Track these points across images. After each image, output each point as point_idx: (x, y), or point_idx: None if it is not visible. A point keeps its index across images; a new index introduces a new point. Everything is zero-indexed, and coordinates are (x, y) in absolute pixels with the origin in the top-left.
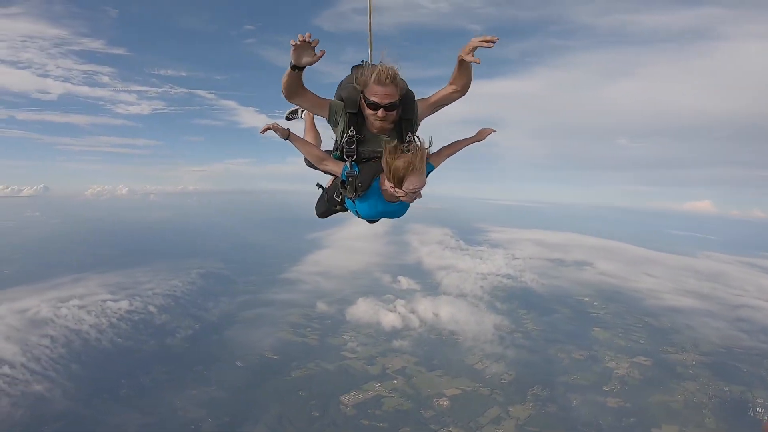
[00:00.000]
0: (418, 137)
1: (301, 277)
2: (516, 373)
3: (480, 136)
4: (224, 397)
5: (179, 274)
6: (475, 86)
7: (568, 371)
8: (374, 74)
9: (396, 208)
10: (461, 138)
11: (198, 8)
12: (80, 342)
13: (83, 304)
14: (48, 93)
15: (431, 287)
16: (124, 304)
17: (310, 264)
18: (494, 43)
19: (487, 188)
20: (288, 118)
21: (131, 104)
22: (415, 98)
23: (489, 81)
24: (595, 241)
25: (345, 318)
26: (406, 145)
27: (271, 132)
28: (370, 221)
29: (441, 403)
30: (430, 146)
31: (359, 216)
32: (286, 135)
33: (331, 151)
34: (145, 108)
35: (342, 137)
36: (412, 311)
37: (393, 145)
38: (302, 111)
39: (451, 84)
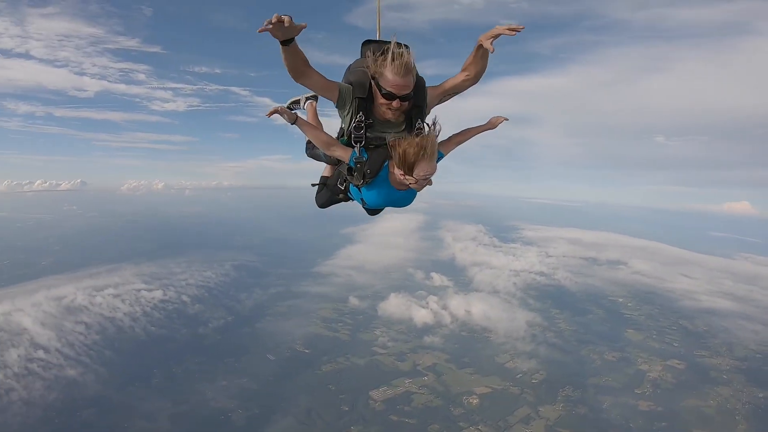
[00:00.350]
0: (427, 124)
1: (334, 270)
2: (547, 373)
3: (491, 124)
4: (254, 388)
5: (213, 266)
6: (506, 83)
7: (600, 372)
8: (391, 64)
9: (404, 196)
10: (472, 126)
11: (231, 6)
12: (114, 329)
13: (118, 293)
14: (85, 90)
15: (464, 284)
16: (158, 294)
17: (343, 258)
18: (518, 32)
19: (522, 187)
20: (290, 108)
21: (167, 101)
22: (426, 85)
23: (521, 78)
24: (631, 241)
25: (377, 313)
26: (416, 131)
27: (281, 118)
28: (374, 211)
29: (470, 400)
30: (439, 132)
31: (364, 205)
32: (294, 119)
33: (336, 137)
34: (180, 105)
35: (350, 123)
36: (444, 307)
37: (402, 130)
38: (304, 102)
39: (463, 71)
